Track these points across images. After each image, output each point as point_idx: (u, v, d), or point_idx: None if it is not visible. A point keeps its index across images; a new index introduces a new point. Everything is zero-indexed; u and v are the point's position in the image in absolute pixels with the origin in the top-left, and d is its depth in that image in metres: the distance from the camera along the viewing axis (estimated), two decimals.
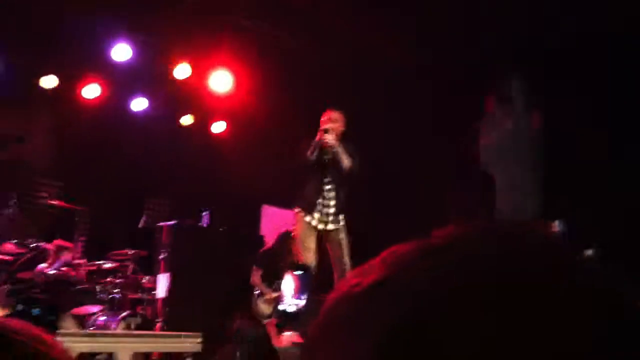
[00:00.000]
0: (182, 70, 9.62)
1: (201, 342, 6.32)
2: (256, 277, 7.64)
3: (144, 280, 7.91)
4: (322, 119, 6.48)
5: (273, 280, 7.53)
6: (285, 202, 7.97)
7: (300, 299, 6.27)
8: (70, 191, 9.38)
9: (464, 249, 0.52)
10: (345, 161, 6.31)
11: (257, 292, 7.61)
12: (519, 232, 0.55)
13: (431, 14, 7.66)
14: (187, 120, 10.58)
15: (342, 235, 6.42)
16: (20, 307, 2.22)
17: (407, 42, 8.32)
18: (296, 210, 6.47)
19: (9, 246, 7.72)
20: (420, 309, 0.48)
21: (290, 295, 6.32)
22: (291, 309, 6.28)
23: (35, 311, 2.20)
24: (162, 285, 7.61)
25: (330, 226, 6.37)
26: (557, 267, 0.51)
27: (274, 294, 7.44)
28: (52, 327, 2.27)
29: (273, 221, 9.58)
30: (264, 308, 7.60)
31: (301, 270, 6.53)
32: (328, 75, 9.10)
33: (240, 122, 10.45)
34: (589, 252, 9.74)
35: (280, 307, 6.44)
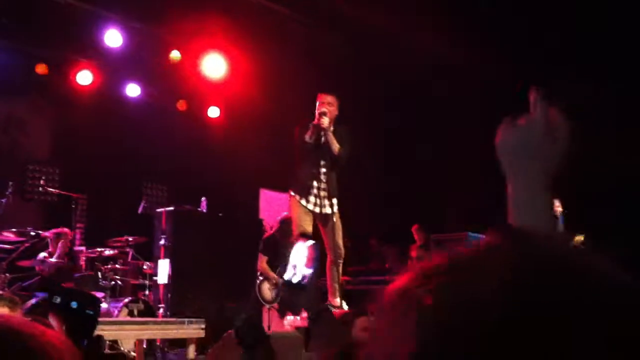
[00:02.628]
0: (175, 56, 9.60)
1: (204, 328, 6.38)
2: (262, 263, 7.74)
3: (144, 267, 7.94)
4: (317, 102, 6.48)
5: (277, 266, 7.61)
6: (283, 186, 8.00)
7: (311, 268, 6.31)
8: (68, 178, 9.39)
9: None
10: (334, 146, 6.32)
11: (260, 278, 7.70)
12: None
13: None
14: (182, 105, 10.57)
15: (336, 219, 6.46)
16: (57, 299, 2.18)
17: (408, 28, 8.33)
18: (291, 193, 6.48)
19: (9, 234, 7.73)
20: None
21: (301, 264, 6.35)
22: (296, 278, 6.31)
23: (74, 304, 2.17)
24: (162, 271, 7.65)
25: (326, 210, 6.39)
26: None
27: (280, 279, 7.52)
28: (92, 322, 2.24)
29: (271, 205, 9.63)
30: (269, 293, 7.70)
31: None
32: (325, 57, 9.12)
33: (236, 106, 10.44)
34: (580, 237, 9.84)
35: (286, 277, 6.48)
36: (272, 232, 7.93)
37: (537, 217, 1.24)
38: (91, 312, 2.29)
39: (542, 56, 8.29)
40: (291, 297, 6.96)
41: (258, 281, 7.69)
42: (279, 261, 7.56)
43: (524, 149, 1.30)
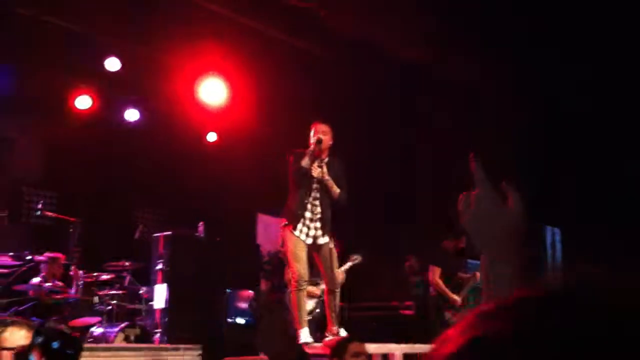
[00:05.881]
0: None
1: (200, 354, 6.31)
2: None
3: (141, 291, 7.88)
4: (311, 131, 6.45)
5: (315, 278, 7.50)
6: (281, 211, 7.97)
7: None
8: (64, 202, 9.34)
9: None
10: (334, 190, 6.29)
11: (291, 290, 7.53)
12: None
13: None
14: (181, 130, 10.56)
15: (331, 246, 6.41)
16: (39, 339, 2.25)
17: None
18: (284, 223, 6.42)
19: (5, 258, 7.67)
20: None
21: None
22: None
23: (55, 344, 2.24)
24: (159, 295, 7.58)
25: (320, 240, 6.34)
26: None
27: (316, 289, 7.41)
28: None
29: (269, 230, 9.59)
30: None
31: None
32: (323, 81, 9.14)
33: (234, 131, 10.44)
34: (555, 230, 9.85)
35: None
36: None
37: (503, 280, 1.23)
38: (71, 352, 2.41)
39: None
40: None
41: (289, 291, 7.52)
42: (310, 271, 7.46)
43: (485, 221, 1.29)
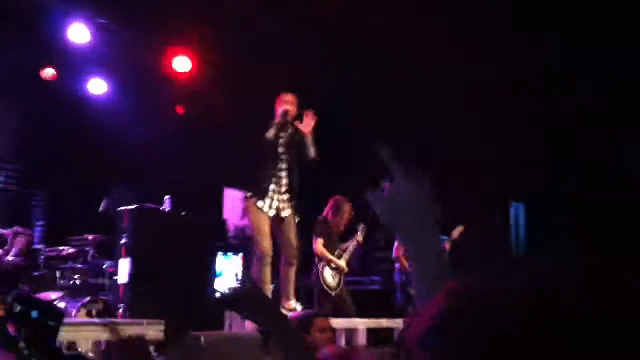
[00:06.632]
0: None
1: (163, 330, 6.26)
2: (319, 246, 7.49)
3: (105, 266, 7.80)
4: (278, 101, 6.44)
5: (336, 248, 7.46)
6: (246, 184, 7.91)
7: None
8: (28, 175, 9.21)
9: None
10: (312, 150, 6.28)
11: (321, 264, 7.51)
12: None
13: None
14: (144, 103, 10.44)
15: (293, 219, 6.40)
16: (18, 308, 2.06)
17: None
18: (248, 195, 6.38)
19: None
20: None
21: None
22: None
23: (35, 314, 2.06)
24: (123, 270, 7.51)
25: (284, 213, 6.32)
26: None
27: (341, 262, 7.38)
28: (53, 334, 2.13)
29: (235, 204, 9.53)
30: (332, 279, 7.50)
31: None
32: (286, 56, 9.05)
33: (202, 104, 10.34)
34: (519, 206, 9.96)
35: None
36: (325, 214, 7.65)
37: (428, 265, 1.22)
38: (53, 324, 2.18)
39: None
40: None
41: (320, 267, 7.50)
42: (333, 245, 7.41)
43: (399, 211, 1.27)
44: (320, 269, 7.41)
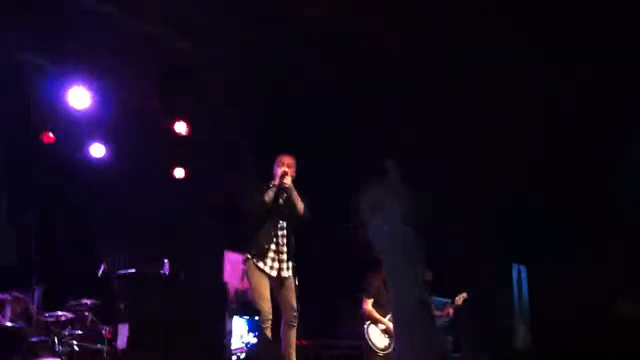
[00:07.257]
0: (140, 116, 9.55)
1: None
2: (367, 306, 7.46)
3: (103, 331, 7.70)
4: (277, 163, 6.49)
5: (387, 309, 7.39)
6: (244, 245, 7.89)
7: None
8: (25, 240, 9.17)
9: None
10: (300, 204, 6.31)
11: (367, 323, 7.44)
12: None
13: None
14: (146, 166, 10.48)
15: (293, 280, 6.38)
16: None
17: None
18: (247, 256, 6.36)
19: None
20: None
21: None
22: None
23: None
24: (122, 335, 7.43)
25: (284, 273, 6.30)
26: None
27: (390, 324, 7.31)
28: None
29: (236, 267, 9.49)
30: (381, 339, 7.42)
31: None
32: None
33: (199, 166, 10.39)
34: (521, 268, 9.96)
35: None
36: (378, 272, 7.53)
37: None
38: None
39: None
40: None
41: (365, 326, 7.42)
42: (387, 305, 7.34)
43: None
44: (366, 328, 7.41)
